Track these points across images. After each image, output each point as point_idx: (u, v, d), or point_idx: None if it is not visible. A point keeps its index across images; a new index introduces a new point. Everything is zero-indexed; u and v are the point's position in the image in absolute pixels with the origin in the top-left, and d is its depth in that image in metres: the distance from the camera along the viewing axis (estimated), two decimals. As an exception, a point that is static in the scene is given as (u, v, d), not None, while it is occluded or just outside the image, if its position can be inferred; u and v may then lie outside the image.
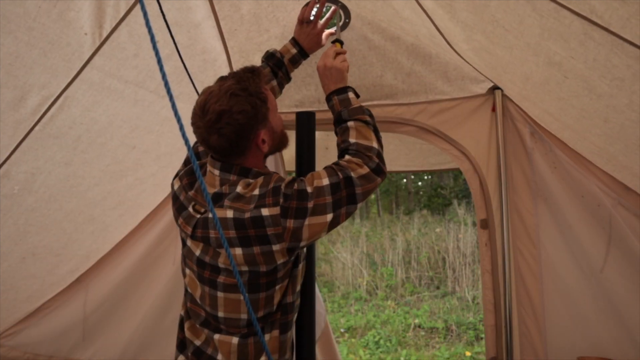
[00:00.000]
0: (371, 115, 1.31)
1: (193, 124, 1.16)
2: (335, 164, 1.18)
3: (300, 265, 1.28)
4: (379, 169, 1.18)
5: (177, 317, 1.38)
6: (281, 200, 1.08)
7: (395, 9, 1.51)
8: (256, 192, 1.11)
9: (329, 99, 1.36)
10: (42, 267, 1.98)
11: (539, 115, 1.75)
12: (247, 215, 1.08)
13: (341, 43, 1.50)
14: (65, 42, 1.33)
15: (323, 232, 1.12)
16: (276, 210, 1.08)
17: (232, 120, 1.10)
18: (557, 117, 1.64)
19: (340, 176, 1.12)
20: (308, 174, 1.16)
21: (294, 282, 1.25)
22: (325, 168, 1.16)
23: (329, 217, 1.10)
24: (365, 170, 1.15)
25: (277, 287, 1.18)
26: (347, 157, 1.19)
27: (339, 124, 1.29)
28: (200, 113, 1.12)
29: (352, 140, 1.22)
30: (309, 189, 1.10)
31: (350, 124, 1.26)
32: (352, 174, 1.13)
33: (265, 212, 1.08)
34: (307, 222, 1.09)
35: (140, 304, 2.21)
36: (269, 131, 1.20)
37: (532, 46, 1.32)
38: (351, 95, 1.34)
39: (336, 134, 1.32)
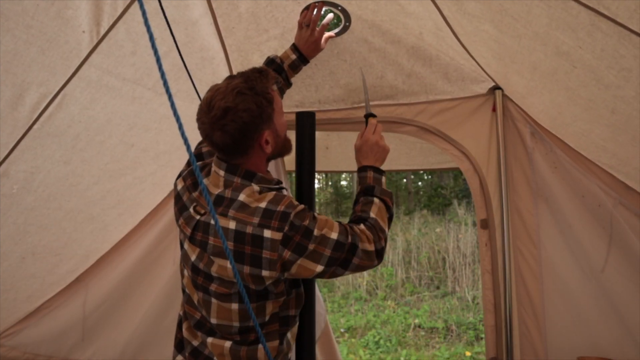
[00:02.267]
0: (393, 204, 1.36)
1: (198, 119, 1.16)
2: (350, 226, 1.19)
3: (302, 287, 1.29)
4: (381, 253, 1.21)
5: (177, 317, 1.38)
6: (286, 228, 1.08)
7: (400, 5, 1.51)
8: (262, 204, 1.10)
9: (364, 169, 1.38)
10: (42, 267, 1.98)
11: (542, 111, 1.75)
12: (249, 230, 1.08)
13: (374, 116, 1.51)
14: (63, 40, 1.32)
15: (307, 277, 1.13)
16: (278, 235, 1.07)
17: (236, 117, 1.10)
18: (565, 108, 1.63)
19: (349, 240, 1.14)
20: (322, 216, 1.16)
21: (299, 299, 1.26)
22: (340, 224, 1.17)
23: (319, 268, 1.11)
24: (371, 247, 1.17)
25: (269, 301, 1.17)
26: (362, 226, 1.21)
27: (365, 195, 1.32)
28: (206, 109, 1.12)
29: (372, 215, 1.25)
30: (316, 232, 1.10)
31: (376, 200, 1.29)
32: (359, 245, 1.15)
33: (267, 234, 1.07)
34: (299, 261, 1.09)
35: (140, 304, 2.21)
36: (272, 132, 1.20)
37: (540, 35, 1.32)
38: (384, 179, 1.38)
39: (356, 202, 1.34)
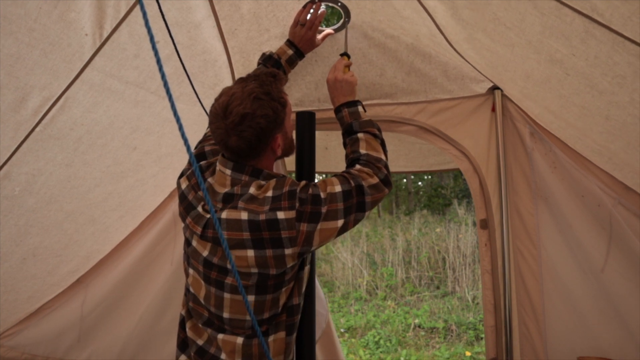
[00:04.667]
0: (379, 129, 1.35)
1: (212, 123, 1.16)
2: (347, 172, 1.21)
3: (306, 268, 1.29)
4: (387, 180, 1.22)
5: (175, 317, 1.39)
6: (297, 204, 1.10)
7: (395, 9, 1.52)
8: (269, 193, 1.13)
9: (338, 110, 1.40)
10: (43, 268, 1.98)
11: (539, 114, 1.75)
12: (262, 217, 1.10)
13: (348, 56, 1.55)
14: (66, 43, 1.33)
15: (332, 237, 1.15)
16: (292, 214, 1.10)
17: (254, 123, 1.12)
18: (558, 115, 1.64)
19: (352, 184, 1.16)
20: (319, 180, 1.19)
21: (300, 285, 1.27)
22: (337, 176, 1.20)
23: (340, 222, 1.13)
24: (375, 180, 1.19)
25: (284, 289, 1.19)
26: (357, 166, 1.23)
27: (349, 134, 1.34)
28: (222, 114, 1.13)
29: (362, 151, 1.27)
30: (323, 195, 1.13)
31: (360, 135, 1.31)
32: (363, 183, 1.17)
33: (281, 215, 1.10)
34: (319, 226, 1.11)
35: (138, 305, 2.21)
36: (283, 135, 1.23)
37: (533, 44, 1.32)
38: (360, 109, 1.38)
39: (345, 144, 1.36)
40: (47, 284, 2.08)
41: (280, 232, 1.09)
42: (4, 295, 1.92)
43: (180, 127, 0.67)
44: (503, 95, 1.81)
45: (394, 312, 5.49)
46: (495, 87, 1.81)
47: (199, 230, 1.20)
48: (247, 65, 1.78)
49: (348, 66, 1.49)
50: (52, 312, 2.15)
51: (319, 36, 1.63)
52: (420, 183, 14.15)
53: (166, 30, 1.28)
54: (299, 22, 1.56)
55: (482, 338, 4.63)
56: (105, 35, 1.38)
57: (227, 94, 1.15)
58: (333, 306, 5.85)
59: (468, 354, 4.31)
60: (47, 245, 1.91)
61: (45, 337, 2.13)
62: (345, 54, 1.55)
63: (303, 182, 1.17)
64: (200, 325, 1.25)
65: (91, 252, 2.14)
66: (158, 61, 0.64)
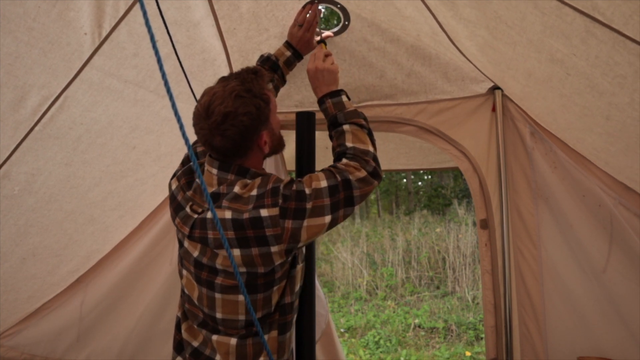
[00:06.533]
0: (365, 119, 1.32)
1: (196, 125, 1.15)
2: (333, 166, 1.19)
3: (299, 267, 1.27)
4: (375, 173, 1.20)
5: (173, 318, 1.38)
6: (280, 201, 1.09)
7: (397, 8, 1.51)
8: (254, 192, 1.12)
9: (321, 101, 1.37)
10: (43, 268, 1.98)
11: (540, 114, 1.75)
12: (246, 215, 1.08)
13: (325, 44, 1.52)
14: (65, 42, 1.33)
15: (321, 233, 1.13)
16: (275, 211, 1.08)
17: (236, 122, 1.10)
18: (559, 115, 1.64)
19: (339, 179, 1.13)
20: (306, 176, 1.16)
21: (293, 283, 1.25)
22: (323, 170, 1.17)
23: (327, 218, 1.11)
24: (363, 173, 1.17)
25: (275, 288, 1.18)
26: (344, 160, 1.21)
27: (335, 127, 1.31)
28: (205, 114, 1.12)
29: (349, 144, 1.24)
30: (307, 190, 1.11)
31: (346, 127, 1.27)
32: (351, 177, 1.14)
33: (264, 212, 1.08)
34: (305, 223, 1.09)
35: (136, 305, 2.21)
36: (269, 132, 1.21)
37: (534, 43, 1.32)
38: (344, 98, 1.35)
39: (331, 137, 1.33)
40: (47, 284, 2.08)
41: (264, 230, 1.08)
42: (4, 295, 1.92)
43: (181, 127, 0.66)
44: (503, 95, 1.81)
45: (394, 312, 5.49)
46: (495, 87, 1.81)
47: (186, 230, 1.19)
48: (246, 64, 1.77)
49: (327, 55, 1.44)
50: (52, 312, 2.15)
51: (317, 38, 1.63)
52: (420, 183, 14.16)
53: (165, 29, 1.27)
54: (297, 24, 1.56)
55: (482, 338, 4.63)
56: (104, 34, 1.38)
57: (208, 94, 1.14)
58: (333, 306, 5.85)
59: (468, 354, 4.31)
60: (47, 245, 1.91)
61: (44, 337, 2.13)
62: (322, 42, 1.52)
63: (287, 179, 1.15)
64: (195, 327, 1.25)
65: (91, 251, 2.14)
66: (159, 60, 0.64)
